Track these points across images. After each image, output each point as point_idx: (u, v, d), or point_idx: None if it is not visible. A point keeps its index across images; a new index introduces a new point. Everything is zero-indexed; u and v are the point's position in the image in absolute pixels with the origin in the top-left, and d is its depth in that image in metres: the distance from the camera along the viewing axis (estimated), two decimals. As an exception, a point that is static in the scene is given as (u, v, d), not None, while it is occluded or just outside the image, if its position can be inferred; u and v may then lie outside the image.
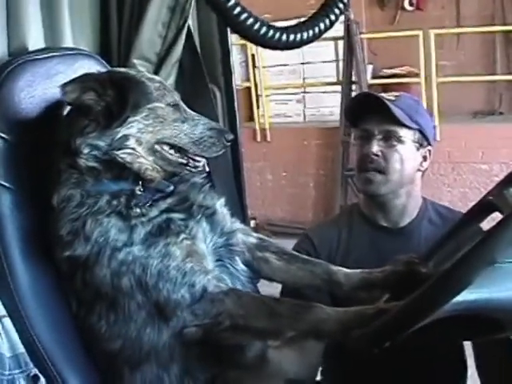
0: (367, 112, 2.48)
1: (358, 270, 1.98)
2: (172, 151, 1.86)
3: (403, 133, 2.44)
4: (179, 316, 1.74)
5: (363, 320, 1.63)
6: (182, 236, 1.80)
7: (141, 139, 1.81)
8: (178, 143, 1.85)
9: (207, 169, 1.93)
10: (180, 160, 1.87)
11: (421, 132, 2.49)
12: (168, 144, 1.85)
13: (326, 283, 1.99)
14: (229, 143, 1.91)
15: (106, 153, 1.79)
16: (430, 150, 2.55)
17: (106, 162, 1.80)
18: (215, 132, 1.88)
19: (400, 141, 2.44)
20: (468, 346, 2.43)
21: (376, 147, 2.44)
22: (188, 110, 1.92)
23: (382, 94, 2.56)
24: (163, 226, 1.80)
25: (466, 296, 1.45)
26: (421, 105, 2.58)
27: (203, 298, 1.74)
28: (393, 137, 2.44)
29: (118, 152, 1.79)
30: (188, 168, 1.88)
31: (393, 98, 2.48)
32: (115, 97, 1.80)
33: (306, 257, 2.08)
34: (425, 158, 2.54)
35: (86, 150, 1.78)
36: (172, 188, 1.89)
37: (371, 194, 2.51)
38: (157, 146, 1.83)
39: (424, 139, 2.51)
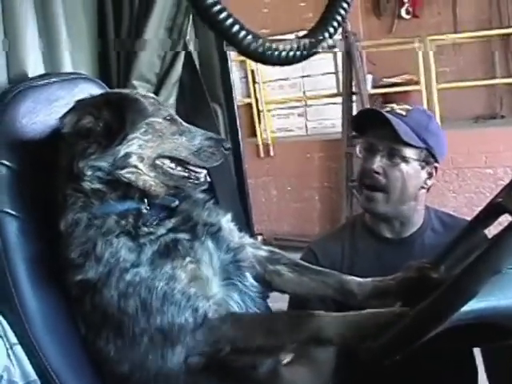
0: (374, 125, 2.42)
1: (370, 279, 1.97)
2: (173, 165, 1.86)
3: (408, 152, 2.39)
4: (183, 342, 1.74)
5: (361, 329, 1.66)
6: (188, 259, 1.80)
7: (142, 155, 1.81)
8: (178, 156, 1.86)
9: (208, 179, 1.92)
10: (181, 173, 1.87)
11: (428, 150, 2.42)
12: (168, 158, 1.85)
13: (338, 293, 1.98)
14: (227, 151, 1.91)
15: (109, 173, 1.79)
16: (436, 167, 2.49)
17: (110, 182, 1.80)
18: (213, 141, 1.89)
19: (404, 160, 2.39)
20: (477, 351, 2.42)
21: (378, 163, 2.39)
22: (184, 122, 1.93)
23: (394, 106, 2.48)
24: (170, 246, 1.80)
25: (473, 305, 1.44)
26: (432, 121, 2.49)
27: (204, 324, 1.74)
28: (397, 155, 2.39)
29: (122, 171, 1.80)
30: (190, 181, 1.88)
31: (403, 113, 2.41)
32: (112, 116, 1.81)
33: (319, 268, 2.07)
34: (430, 176, 2.49)
35: (89, 172, 1.79)
36: (177, 202, 1.89)
37: (371, 211, 2.49)
38: (158, 162, 1.83)
39: (431, 157, 2.45)
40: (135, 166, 1.81)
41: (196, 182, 1.89)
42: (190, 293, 1.76)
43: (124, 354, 1.81)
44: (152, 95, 1.99)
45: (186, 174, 1.87)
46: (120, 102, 1.85)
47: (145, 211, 1.83)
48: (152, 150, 1.83)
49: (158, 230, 1.82)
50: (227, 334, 1.73)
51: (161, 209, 1.87)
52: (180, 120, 1.93)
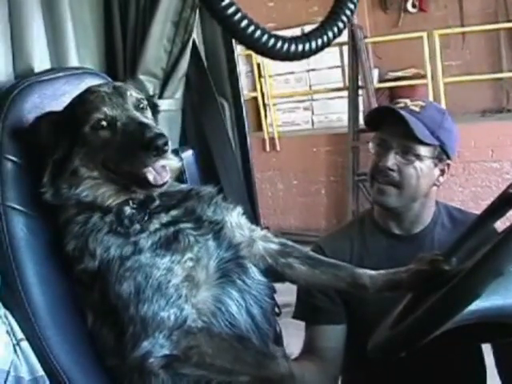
0: (387, 121, 2.40)
1: (383, 271, 1.97)
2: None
3: (422, 150, 2.36)
4: (156, 337, 1.72)
5: None
6: (187, 256, 1.79)
7: (88, 166, 1.78)
8: (110, 166, 1.78)
9: (166, 179, 1.77)
10: (125, 180, 1.80)
11: (441, 147, 2.39)
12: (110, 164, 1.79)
13: (350, 286, 1.99)
14: (164, 147, 1.69)
15: (68, 197, 1.79)
16: (448, 164, 2.46)
17: (76, 204, 1.80)
18: (141, 145, 1.69)
19: (418, 158, 2.36)
20: (487, 347, 2.42)
21: (392, 161, 2.35)
22: (130, 121, 1.76)
23: (407, 102, 2.44)
24: (171, 238, 1.80)
25: (479, 305, 1.45)
26: (446, 117, 2.44)
27: (181, 328, 1.73)
28: (411, 152, 2.35)
29: (78, 190, 1.79)
30: (147, 184, 1.77)
31: (417, 110, 2.38)
32: (52, 137, 1.80)
33: (331, 260, 2.07)
34: (442, 172, 2.45)
35: (50, 191, 1.79)
36: (157, 203, 1.85)
37: (382, 204, 2.47)
38: (104, 170, 1.79)
39: (444, 153, 2.41)
40: (89, 177, 1.79)
41: (149, 186, 1.77)
42: (181, 291, 1.75)
43: (116, 345, 1.81)
44: (100, 91, 1.82)
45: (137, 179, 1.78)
46: (58, 122, 1.81)
47: (129, 210, 1.82)
48: (94, 160, 1.78)
49: (150, 223, 1.81)
50: (200, 345, 1.73)
51: (145, 205, 1.85)
52: (123, 120, 1.76)
